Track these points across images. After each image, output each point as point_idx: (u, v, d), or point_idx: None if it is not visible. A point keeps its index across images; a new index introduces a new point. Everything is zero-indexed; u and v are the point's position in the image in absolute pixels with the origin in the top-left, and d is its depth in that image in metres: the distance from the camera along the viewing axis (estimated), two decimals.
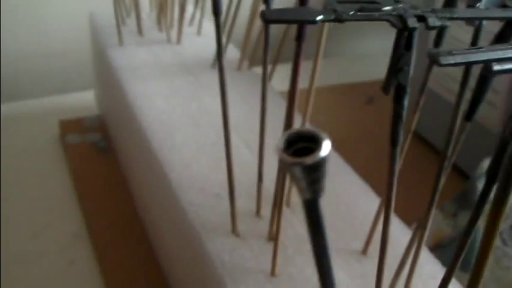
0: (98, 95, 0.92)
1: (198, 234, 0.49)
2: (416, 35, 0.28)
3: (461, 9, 0.29)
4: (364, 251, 0.48)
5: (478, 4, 0.31)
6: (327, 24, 0.48)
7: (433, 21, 0.27)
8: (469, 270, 0.59)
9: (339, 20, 0.27)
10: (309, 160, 0.16)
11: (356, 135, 0.89)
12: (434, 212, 0.40)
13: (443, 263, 0.61)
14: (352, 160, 0.59)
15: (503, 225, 0.71)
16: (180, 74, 0.73)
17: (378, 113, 0.94)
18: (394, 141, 0.30)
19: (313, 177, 0.16)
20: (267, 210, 0.51)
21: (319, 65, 0.50)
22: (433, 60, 0.22)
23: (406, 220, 0.57)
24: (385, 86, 0.28)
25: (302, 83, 0.54)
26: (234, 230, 0.49)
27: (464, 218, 0.63)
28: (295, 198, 0.53)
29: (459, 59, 0.22)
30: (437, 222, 0.65)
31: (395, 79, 0.28)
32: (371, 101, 0.98)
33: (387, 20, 0.27)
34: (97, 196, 0.74)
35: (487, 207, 0.66)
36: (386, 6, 0.28)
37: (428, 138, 0.88)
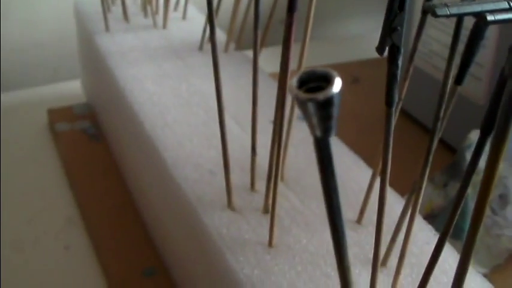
0: (85, 83, 0.92)
1: (195, 209, 0.50)
2: None
3: None
4: (359, 220, 0.49)
5: None
6: (314, 4, 0.49)
7: None
8: (461, 238, 0.61)
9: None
10: (321, 96, 0.16)
11: (342, 114, 0.90)
12: (427, 177, 0.41)
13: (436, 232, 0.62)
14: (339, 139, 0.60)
15: (492, 195, 0.72)
16: (168, 57, 0.73)
17: (363, 93, 0.95)
18: (389, 102, 0.31)
19: (325, 114, 0.17)
20: (260, 184, 0.51)
21: (308, 35, 0.50)
22: (429, 12, 0.23)
23: (403, 192, 0.59)
24: (380, 46, 0.29)
25: (294, 65, 0.55)
26: (230, 204, 0.50)
27: (454, 188, 0.64)
28: (288, 173, 0.54)
29: (454, 10, 0.23)
30: (427, 193, 0.66)
31: (389, 39, 0.29)
32: (356, 81, 0.99)
33: None
34: (89, 181, 0.75)
35: (477, 178, 0.67)
36: None
37: (416, 115, 0.89)
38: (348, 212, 0.50)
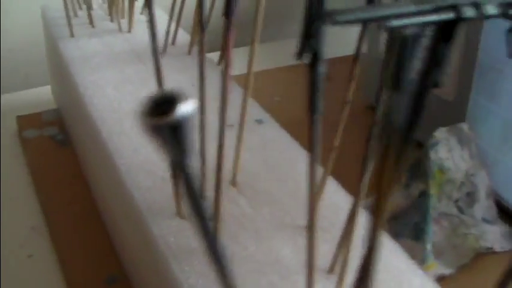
0: (53, 88, 0.91)
1: (145, 218, 0.49)
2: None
3: None
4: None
5: None
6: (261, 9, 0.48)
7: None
8: (423, 239, 0.60)
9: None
10: (167, 119, 0.16)
11: None
12: (367, 180, 0.40)
13: (397, 234, 0.62)
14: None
15: (459, 194, 0.71)
16: (130, 62, 0.73)
17: (335, 91, 0.94)
18: (311, 109, 0.31)
19: (174, 138, 0.16)
20: (213, 191, 0.51)
21: (256, 43, 0.50)
22: (328, 18, 0.22)
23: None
24: (299, 52, 0.28)
25: (258, 66, 0.54)
26: (179, 212, 0.49)
27: (416, 189, 0.64)
28: (242, 177, 0.53)
29: (354, 16, 0.22)
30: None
31: (308, 46, 0.28)
32: (328, 79, 0.98)
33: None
34: (55, 189, 0.74)
35: (443, 177, 0.66)
36: None
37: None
38: (300, 218, 0.49)
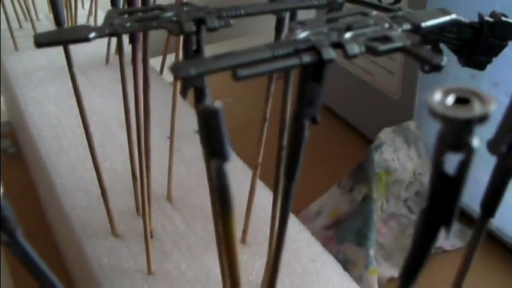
0: (6, 101, 0.90)
1: (79, 238, 0.49)
2: (203, 36, 0.28)
3: (251, 4, 0.29)
4: (243, 240, 0.49)
5: None
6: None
7: (212, 22, 0.27)
8: (365, 245, 0.60)
9: (113, 34, 0.27)
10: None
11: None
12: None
13: (341, 240, 0.62)
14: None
15: (408, 193, 0.72)
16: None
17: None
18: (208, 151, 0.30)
19: None
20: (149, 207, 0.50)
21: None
22: (173, 72, 0.22)
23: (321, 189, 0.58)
24: (182, 90, 0.28)
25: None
26: (113, 231, 0.49)
27: (359, 193, 0.64)
28: (177, 192, 0.53)
29: (201, 68, 0.22)
30: (335, 199, 0.65)
31: (188, 82, 0.28)
32: (279, 78, 0.98)
33: (165, 28, 0.27)
34: None
35: (389, 178, 0.66)
36: (169, 11, 0.28)
37: (339, 112, 0.89)
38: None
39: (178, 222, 0.50)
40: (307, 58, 0.22)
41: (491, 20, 0.38)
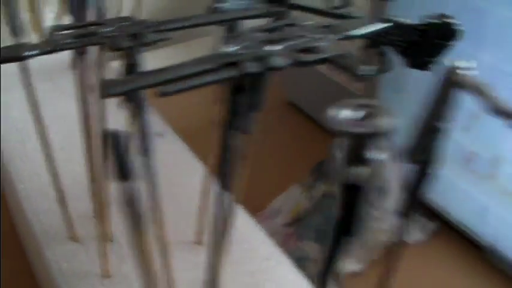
0: None
1: (40, 243, 0.50)
2: (139, 50, 0.29)
3: (192, 16, 0.30)
4: (199, 241, 0.50)
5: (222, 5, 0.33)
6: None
7: (147, 37, 0.28)
8: (325, 242, 0.62)
9: (53, 51, 0.28)
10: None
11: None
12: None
13: (301, 237, 0.63)
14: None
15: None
16: (39, 80, 0.72)
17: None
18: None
19: None
20: (108, 211, 0.51)
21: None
22: (102, 89, 0.23)
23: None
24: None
25: None
26: (72, 235, 0.50)
27: (319, 190, 0.65)
28: None
29: (128, 86, 0.23)
30: (295, 197, 0.67)
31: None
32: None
33: (101, 43, 0.28)
34: None
35: None
36: (109, 26, 0.29)
37: (305, 109, 0.90)
38: (188, 235, 0.51)
39: None
40: (230, 73, 0.24)
41: (436, 21, 0.39)
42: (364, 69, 0.25)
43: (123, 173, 0.20)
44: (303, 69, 0.86)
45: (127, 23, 0.30)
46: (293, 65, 0.25)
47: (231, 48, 0.25)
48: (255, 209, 0.69)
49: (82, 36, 0.29)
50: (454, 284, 0.69)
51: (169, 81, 0.23)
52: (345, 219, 0.21)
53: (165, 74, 0.23)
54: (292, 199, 0.67)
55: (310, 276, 0.59)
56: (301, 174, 0.69)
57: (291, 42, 0.26)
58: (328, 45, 0.26)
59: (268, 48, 0.26)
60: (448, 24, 0.39)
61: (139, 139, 0.33)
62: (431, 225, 0.73)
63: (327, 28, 0.27)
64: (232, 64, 0.24)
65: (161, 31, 0.29)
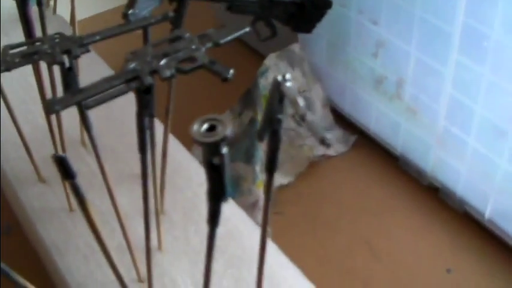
0: None
1: (13, 187, 0.60)
2: (72, 64, 0.38)
3: (106, 29, 0.39)
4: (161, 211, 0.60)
5: (130, 11, 0.42)
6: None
7: (75, 51, 0.37)
8: (253, 163, 0.73)
9: (7, 70, 0.37)
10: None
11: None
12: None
13: (233, 159, 0.74)
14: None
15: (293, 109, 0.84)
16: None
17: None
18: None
19: None
20: (67, 153, 0.61)
21: None
22: (48, 107, 0.32)
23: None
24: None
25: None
26: (40, 177, 0.60)
27: (246, 116, 0.76)
28: (85, 134, 0.64)
29: (63, 104, 0.32)
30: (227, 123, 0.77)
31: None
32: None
33: (43, 60, 0.37)
34: None
35: None
36: (46, 44, 0.38)
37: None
38: (136, 168, 0.61)
39: (91, 164, 0.61)
40: (133, 85, 0.34)
41: None
42: (227, 73, 0.35)
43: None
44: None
45: (58, 39, 0.38)
46: (178, 73, 0.35)
47: (132, 65, 0.35)
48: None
49: (28, 54, 0.38)
50: (373, 193, 0.81)
51: (92, 96, 0.33)
52: (213, 186, 0.31)
53: (88, 92, 0.33)
54: None
55: (242, 192, 0.70)
56: (231, 102, 0.80)
57: (173, 56, 0.36)
58: (202, 54, 0.36)
59: (156, 63, 0.35)
60: None
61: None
62: (352, 138, 0.84)
63: (203, 38, 0.37)
64: (135, 79, 0.34)
65: (84, 45, 0.38)
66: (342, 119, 0.88)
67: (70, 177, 0.32)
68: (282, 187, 0.77)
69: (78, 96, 0.33)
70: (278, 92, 0.33)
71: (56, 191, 0.59)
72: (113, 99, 0.35)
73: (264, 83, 0.78)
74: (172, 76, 0.35)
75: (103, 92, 0.34)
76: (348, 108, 0.87)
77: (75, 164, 0.60)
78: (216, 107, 0.83)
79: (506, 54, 0.61)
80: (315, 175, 0.80)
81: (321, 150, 0.81)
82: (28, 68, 0.68)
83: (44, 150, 0.62)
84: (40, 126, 0.65)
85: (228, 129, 0.28)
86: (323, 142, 0.34)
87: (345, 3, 0.79)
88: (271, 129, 0.35)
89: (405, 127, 0.79)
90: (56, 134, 0.59)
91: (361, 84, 0.82)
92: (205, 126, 0.28)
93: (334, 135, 0.85)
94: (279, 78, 0.32)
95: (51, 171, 0.61)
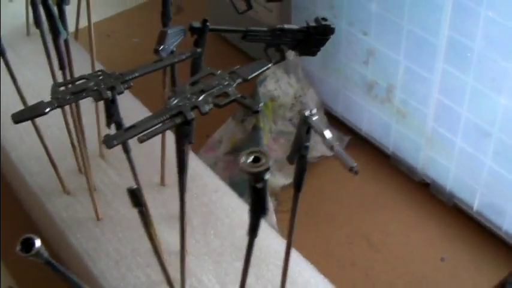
0: None
1: (40, 199, 0.65)
2: (116, 102, 0.43)
3: (143, 66, 0.44)
4: (162, 181, 0.65)
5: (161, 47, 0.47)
6: None
7: (119, 88, 0.43)
8: None
9: (60, 106, 0.42)
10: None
11: None
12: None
13: (238, 164, 0.79)
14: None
15: (291, 113, 0.89)
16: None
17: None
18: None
19: None
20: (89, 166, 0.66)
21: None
22: (105, 143, 0.38)
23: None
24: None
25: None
26: (65, 189, 0.65)
27: (249, 123, 0.81)
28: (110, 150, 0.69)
29: (119, 139, 0.38)
30: (231, 130, 0.83)
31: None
32: (180, 10, 1.14)
33: (91, 96, 0.42)
34: None
35: (275, 104, 0.83)
36: (91, 81, 0.43)
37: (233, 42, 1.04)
38: (156, 176, 0.66)
39: (113, 175, 0.66)
40: (178, 120, 0.39)
41: (314, 24, 0.54)
42: (257, 106, 0.41)
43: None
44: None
45: (102, 76, 0.43)
46: (215, 107, 0.41)
47: (174, 102, 0.41)
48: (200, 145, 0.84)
49: (76, 92, 0.43)
50: (368, 189, 0.87)
51: (144, 131, 0.39)
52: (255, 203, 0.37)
53: (140, 127, 0.39)
54: (229, 131, 0.83)
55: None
56: (235, 108, 0.85)
57: (209, 92, 0.41)
58: (233, 89, 0.42)
59: (196, 98, 0.41)
60: (324, 25, 0.54)
61: None
62: (346, 139, 0.90)
63: (233, 74, 0.42)
64: (178, 114, 0.39)
65: (126, 81, 0.43)
66: (335, 121, 0.94)
67: (139, 205, 0.37)
68: (284, 187, 0.83)
69: (131, 132, 0.39)
70: (305, 125, 0.39)
71: (82, 202, 0.64)
72: (161, 133, 0.40)
73: (263, 91, 0.84)
74: (210, 110, 0.40)
75: (152, 127, 0.39)
76: (341, 111, 0.93)
77: (97, 176, 0.65)
78: (219, 114, 0.88)
79: (487, 65, 0.67)
80: (314, 175, 0.86)
81: (319, 152, 0.86)
82: (41, 83, 0.71)
83: (66, 164, 0.67)
84: (61, 141, 0.69)
85: (270, 160, 0.34)
86: (351, 170, 0.39)
87: (336, 15, 0.84)
88: (300, 154, 0.41)
89: (396, 128, 0.85)
90: (76, 148, 0.64)
91: (353, 89, 0.88)
92: (251, 158, 0.34)
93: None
94: (307, 113, 0.38)
95: (75, 183, 0.66)
